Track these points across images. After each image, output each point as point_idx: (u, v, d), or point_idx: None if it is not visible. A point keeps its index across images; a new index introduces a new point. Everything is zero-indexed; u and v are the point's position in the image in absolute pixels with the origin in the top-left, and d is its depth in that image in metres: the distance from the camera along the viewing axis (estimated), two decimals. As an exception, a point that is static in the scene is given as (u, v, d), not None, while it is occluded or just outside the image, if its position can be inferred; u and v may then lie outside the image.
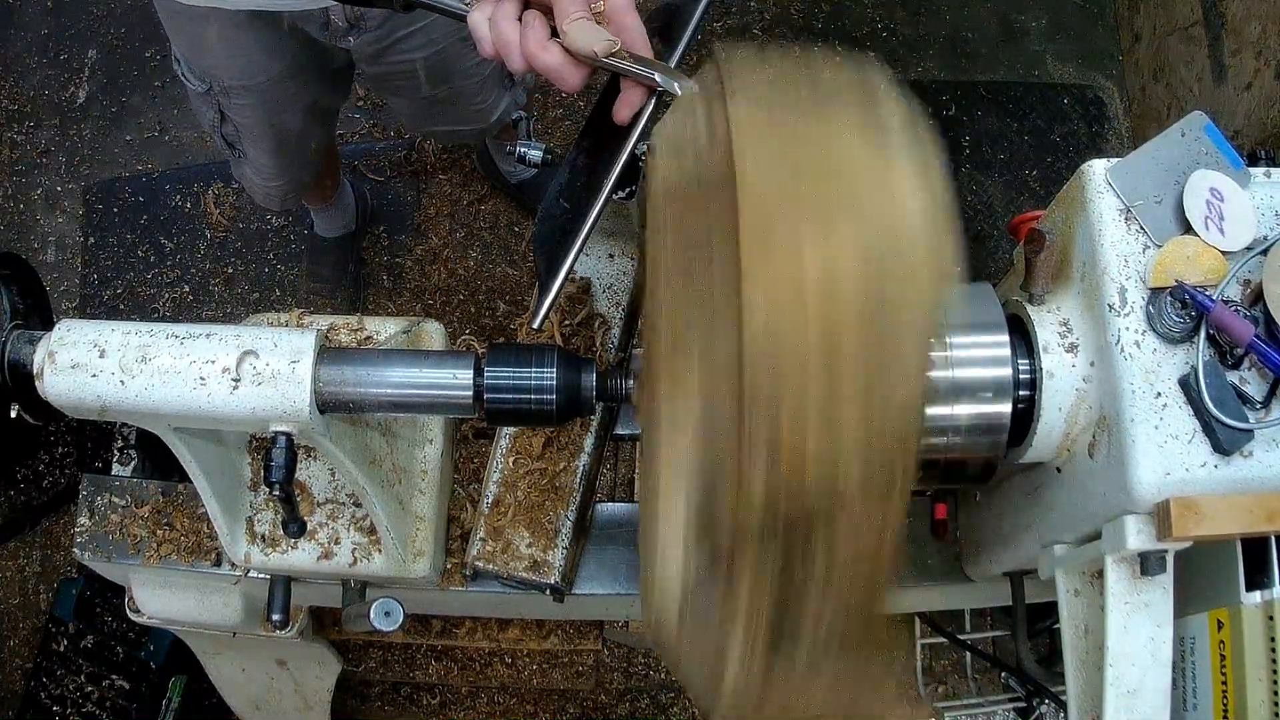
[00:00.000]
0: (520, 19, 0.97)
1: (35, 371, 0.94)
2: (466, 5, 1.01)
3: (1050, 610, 1.18)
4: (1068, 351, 1.01)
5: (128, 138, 2.90)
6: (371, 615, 1.07)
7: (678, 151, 0.86)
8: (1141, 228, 0.98)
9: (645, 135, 1.04)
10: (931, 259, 0.74)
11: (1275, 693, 1.00)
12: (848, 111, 0.79)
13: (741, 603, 0.78)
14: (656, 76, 0.97)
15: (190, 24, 1.61)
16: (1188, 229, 0.98)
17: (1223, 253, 0.97)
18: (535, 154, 1.26)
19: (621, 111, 0.99)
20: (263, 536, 1.22)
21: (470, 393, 0.98)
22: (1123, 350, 0.95)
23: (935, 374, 1.00)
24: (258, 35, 1.62)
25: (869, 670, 0.87)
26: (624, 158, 1.02)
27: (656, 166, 0.90)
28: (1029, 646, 1.35)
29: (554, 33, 0.96)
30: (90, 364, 0.92)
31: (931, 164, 0.78)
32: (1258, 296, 0.96)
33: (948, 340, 1.01)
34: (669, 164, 0.87)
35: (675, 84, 0.96)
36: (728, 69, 0.83)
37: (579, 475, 1.29)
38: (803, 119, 0.78)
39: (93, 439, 2.50)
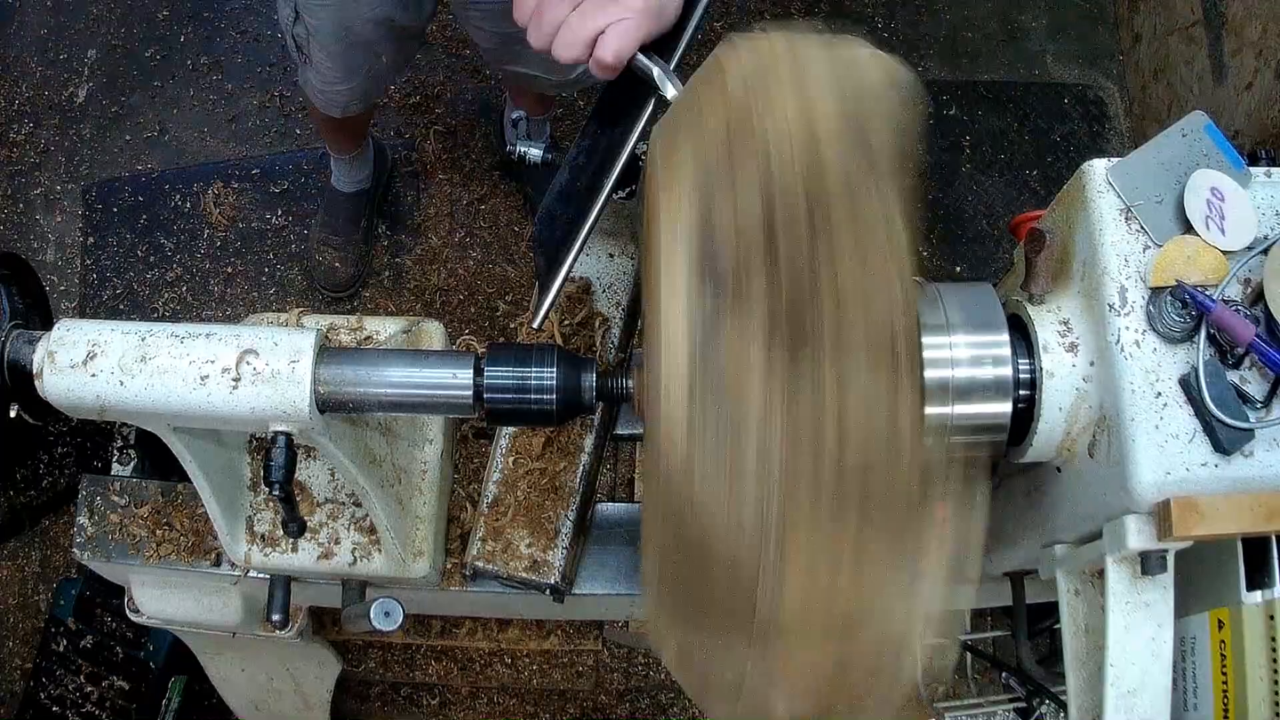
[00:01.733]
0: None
1: (35, 371, 0.94)
2: None
3: (1050, 610, 1.18)
4: (1068, 351, 1.01)
5: (128, 138, 2.90)
6: (371, 615, 1.07)
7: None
8: (1142, 227, 0.98)
9: (645, 135, 1.04)
10: (889, 87, 0.85)
11: (1276, 692, 1.00)
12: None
13: (757, 316, 0.74)
14: (655, 72, 0.98)
15: None
16: (1188, 228, 0.97)
17: (1223, 252, 0.97)
18: (535, 153, 1.27)
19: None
20: (263, 536, 1.22)
21: (470, 393, 0.98)
22: (1123, 350, 0.95)
23: (936, 374, 1.00)
24: None
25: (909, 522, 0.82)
26: (624, 158, 1.02)
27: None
28: (1029, 646, 1.35)
29: None
30: (90, 364, 0.92)
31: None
32: (1258, 296, 0.96)
33: (948, 340, 1.01)
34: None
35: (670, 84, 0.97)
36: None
37: (579, 475, 1.29)
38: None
39: (93, 439, 2.50)
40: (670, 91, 0.99)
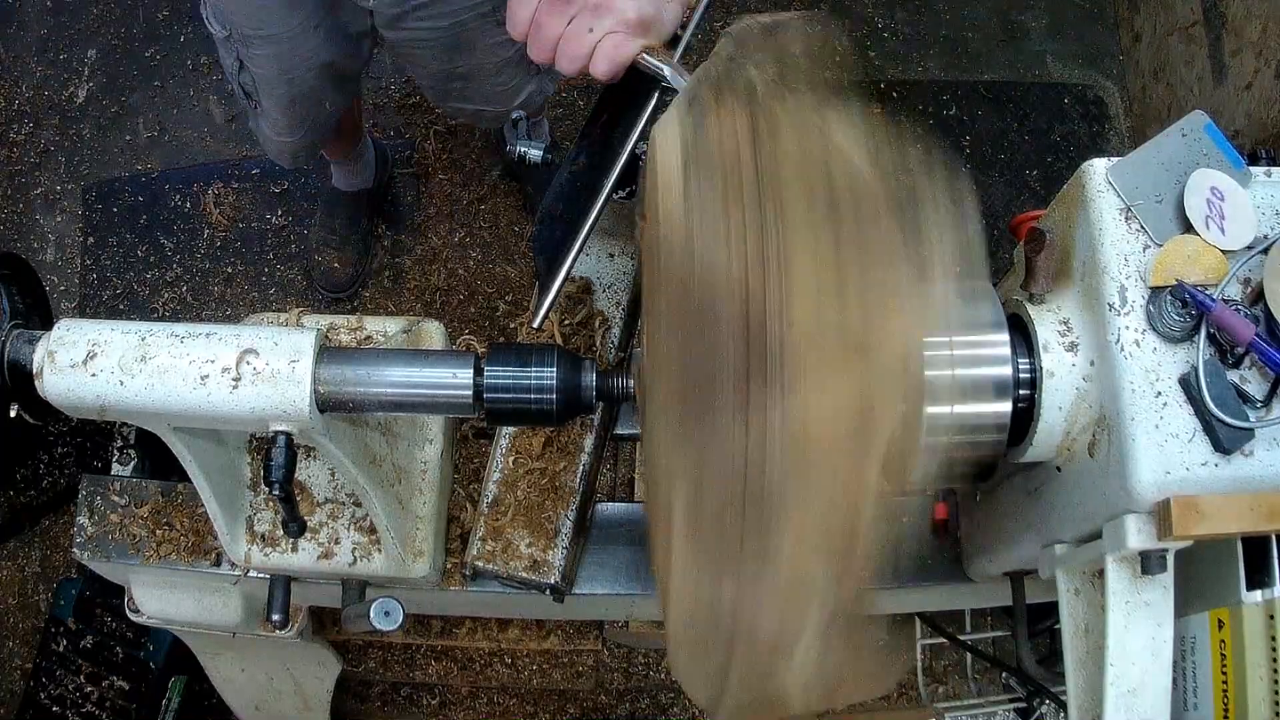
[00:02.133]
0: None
1: (35, 371, 0.94)
2: None
3: (1050, 610, 1.18)
4: (1068, 351, 1.01)
5: (128, 138, 2.90)
6: (371, 615, 1.07)
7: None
8: (1142, 227, 0.98)
9: (645, 135, 1.04)
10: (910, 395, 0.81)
11: (1276, 692, 1.00)
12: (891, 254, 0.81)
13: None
14: (666, 71, 0.98)
15: None
16: (1188, 228, 0.97)
17: (1223, 252, 0.97)
18: (535, 153, 1.26)
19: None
20: (263, 536, 1.22)
21: (470, 392, 0.98)
22: (1123, 349, 0.95)
23: (936, 373, 1.00)
24: None
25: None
26: (624, 158, 1.02)
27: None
28: (1029, 646, 1.35)
29: None
30: (90, 364, 0.92)
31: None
32: (1258, 295, 0.96)
33: (948, 340, 1.01)
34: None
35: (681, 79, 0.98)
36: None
37: (579, 475, 1.29)
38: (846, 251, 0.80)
39: (93, 439, 2.50)
40: (677, 81, 1.00)
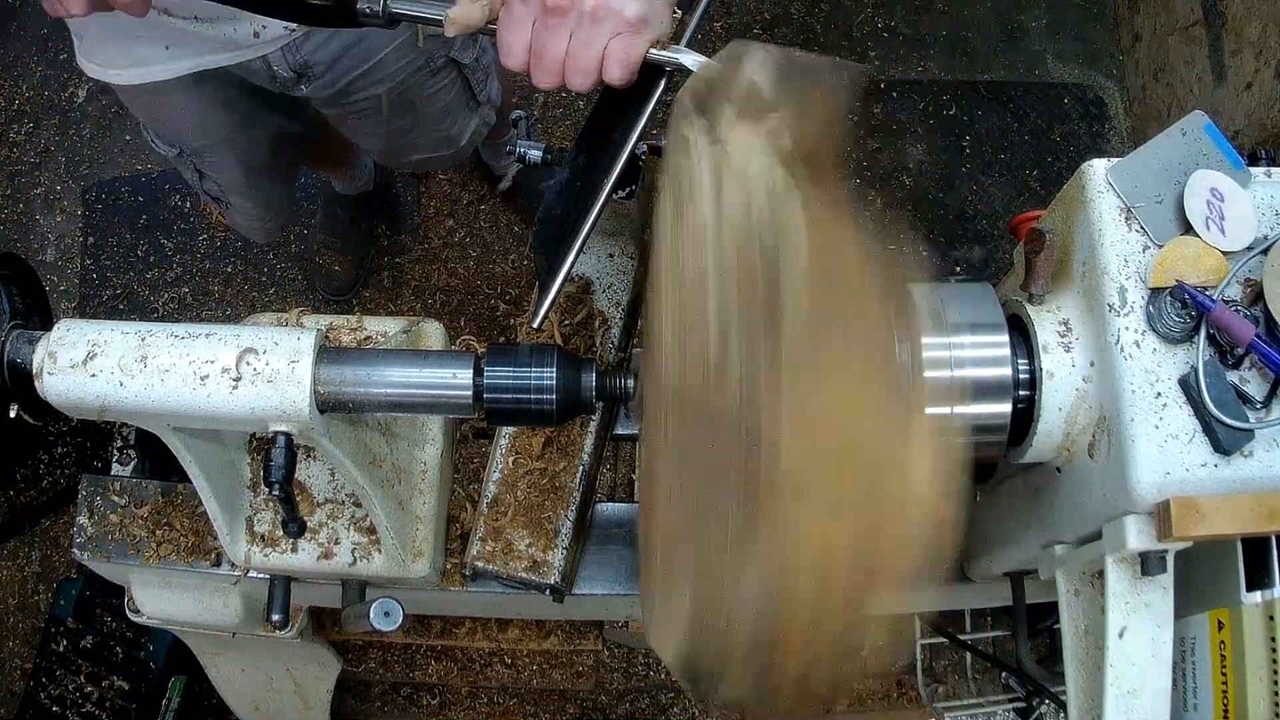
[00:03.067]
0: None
1: (35, 371, 0.94)
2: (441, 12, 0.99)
3: (1050, 610, 1.18)
4: (1067, 351, 1.01)
5: (128, 138, 2.90)
6: (371, 615, 1.07)
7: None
8: (1142, 227, 0.98)
9: (645, 135, 1.04)
10: (926, 546, 0.81)
11: (1276, 693, 1.00)
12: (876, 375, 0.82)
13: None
14: (682, 59, 0.96)
15: (143, 97, 1.59)
16: (1188, 229, 0.97)
17: (1223, 252, 0.97)
18: (535, 154, 1.27)
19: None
20: (263, 536, 1.22)
21: (470, 393, 0.98)
22: (1123, 350, 0.95)
23: (936, 374, 1.00)
24: (210, 93, 1.59)
25: None
26: (624, 158, 1.02)
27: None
28: (1029, 646, 1.35)
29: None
30: (90, 364, 0.92)
31: (947, 444, 0.84)
32: (1258, 296, 0.96)
33: (948, 340, 1.01)
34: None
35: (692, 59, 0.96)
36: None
37: (579, 475, 1.29)
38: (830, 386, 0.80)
39: (93, 439, 2.50)
40: (693, 62, 0.97)
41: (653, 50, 0.97)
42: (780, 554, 0.76)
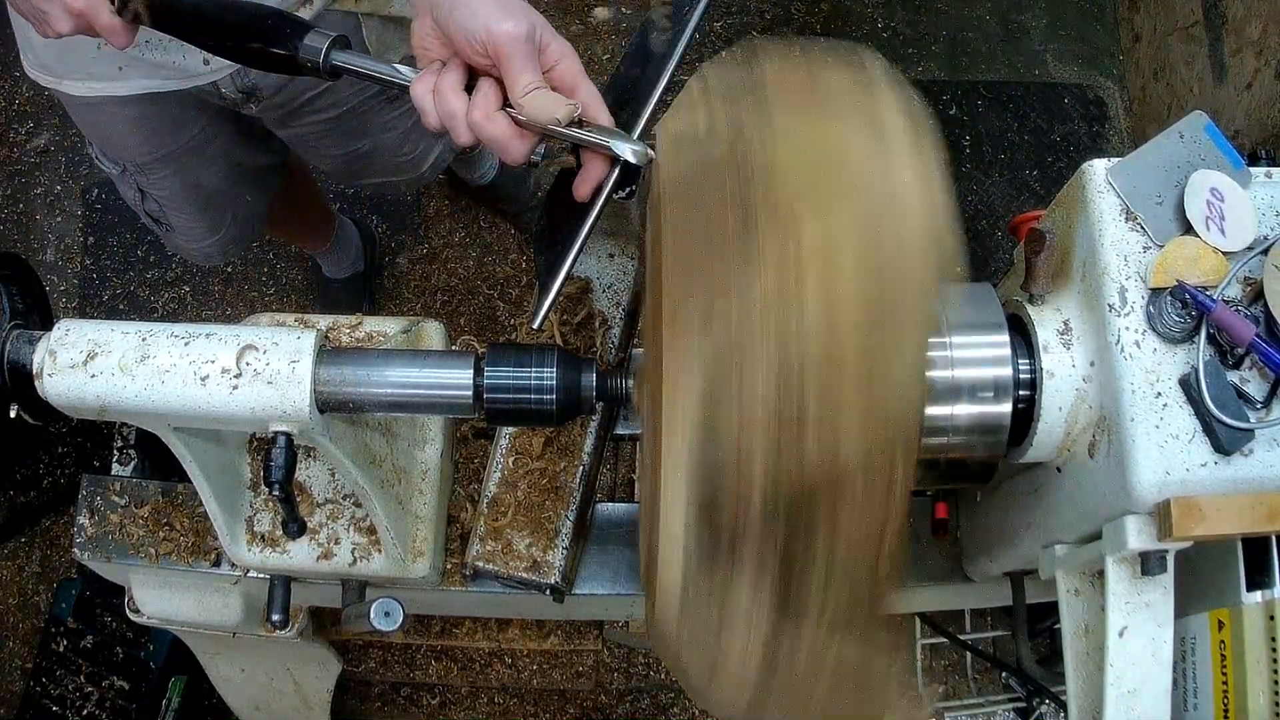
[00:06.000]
0: (467, 88, 0.95)
1: (35, 371, 0.94)
2: (404, 76, 0.99)
3: (1050, 610, 1.18)
4: (1068, 351, 1.01)
5: (128, 138, 2.89)
6: (371, 615, 1.07)
7: (683, 145, 0.87)
8: (1142, 227, 0.98)
9: (646, 134, 1.04)
10: (929, 246, 0.77)
11: (1276, 693, 1.00)
12: (852, 114, 0.82)
13: (745, 586, 0.77)
14: (613, 145, 0.94)
15: (89, 111, 1.57)
16: (1188, 229, 0.98)
17: (1223, 253, 0.97)
18: (535, 154, 1.26)
19: (582, 188, 0.97)
20: (262, 536, 1.22)
21: (470, 393, 0.98)
22: (1123, 350, 0.95)
23: (936, 374, 1.00)
24: (159, 111, 1.58)
25: (871, 667, 0.86)
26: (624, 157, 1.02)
27: (661, 162, 0.90)
28: (1029, 646, 1.35)
29: (504, 103, 0.94)
30: (90, 364, 0.92)
31: (931, 161, 0.82)
32: (1258, 295, 0.96)
33: (948, 340, 1.01)
34: (674, 157, 0.88)
35: (631, 149, 0.94)
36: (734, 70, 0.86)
37: (579, 475, 1.29)
38: (812, 120, 0.81)
39: (93, 439, 2.50)
40: (628, 152, 0.94)
41: (592, 133, 0.95)
42: (785, 255, 0.74)
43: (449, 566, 1.35)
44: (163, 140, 1.64)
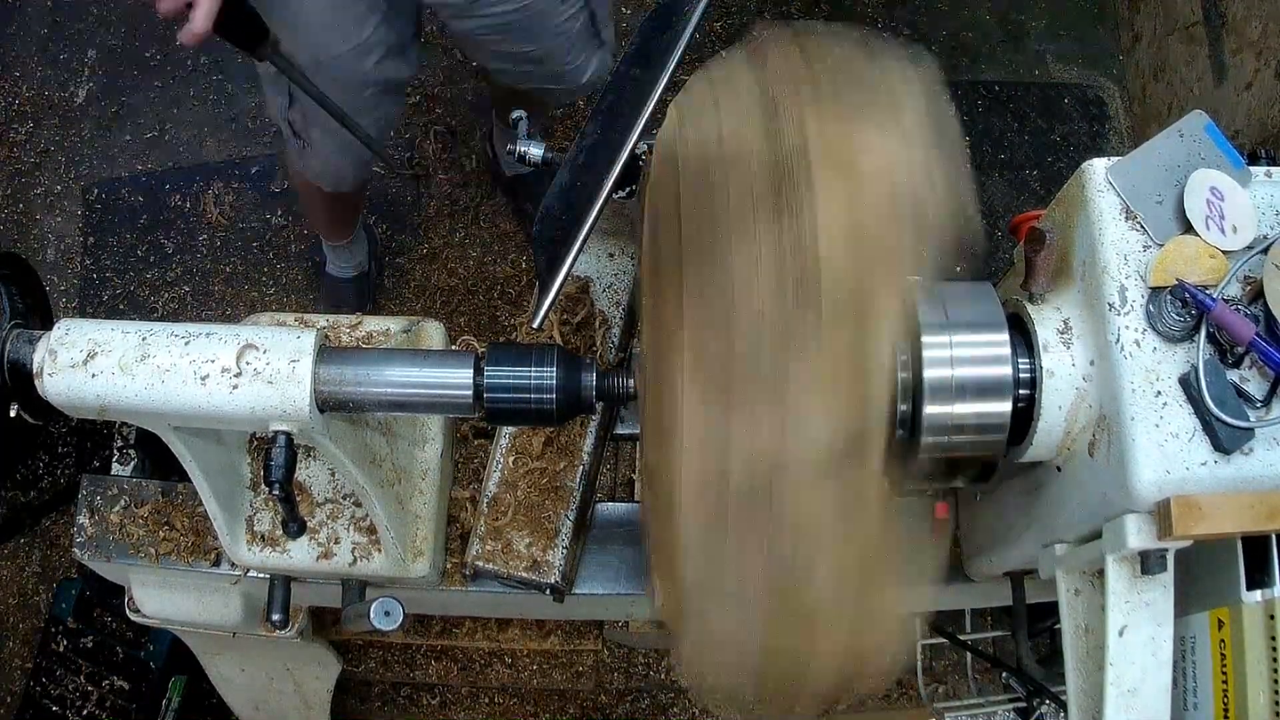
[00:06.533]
0: None
1: (35, 371, 0.94)
2: None
3: (1050, 610, 1.18)
4: (1068, 350, 1.01)
5: (127, 138, 2.90)
6: (371, 615, 1.07)
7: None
8: (1142, 226, 0.98)
9: (645, 135, 1.04)
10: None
11: (1276, 692, 1.00)
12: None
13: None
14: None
15: None
16: (1188, 228, 0.97)
17: (1223, 252, 0.97)
18: (536, 153, 1.26)
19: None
20: (262, 536, 1.22)
21: (470, 392, 0.98)
22: (1123, 349, 0.95)
23: (936, 373, 1.00)
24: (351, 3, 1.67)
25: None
26: (624, 158, 1.02)
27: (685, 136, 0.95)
28: (1029, 646, 1.35)
29: None
30: (90, 363, 0.92)
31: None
32: (1258, 294, 0.96)
33: (949, 339, 1.01)
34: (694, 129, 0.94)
35: None
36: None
37: (579, 475, 1.29)
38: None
39: (93, 439, 2.50)
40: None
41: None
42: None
43: (449, 566, 1.35)
44: (336, 36, 1.71)
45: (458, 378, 0.98)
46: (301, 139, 1.93)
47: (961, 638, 1.72)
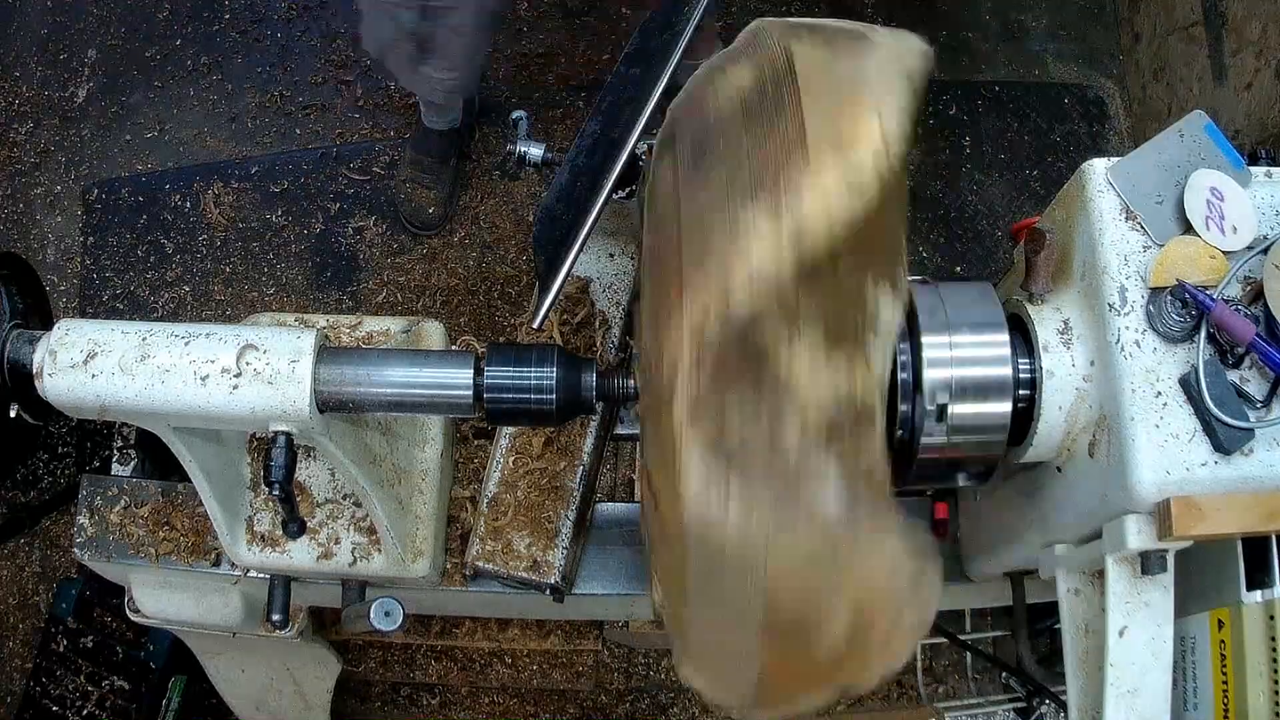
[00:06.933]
0: None
1: (35, 371, 0.94)
2: None
3: (1050, 610, 1.18)
4: (1068, 350, 1.01)
5: (128, 138, 2.89)
6: (371, 615, 1.07)
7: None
8: (1142, 227, 0.98)
9: (645, 135, 1.04)
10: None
11: (1276, 692, 1.00)
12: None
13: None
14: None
15: None
16: (1188, 228, 0.97)
17: (1223, 252, 0.97)
18: (536, 153, 1.26)
19: None
20: (262, 536, 1.22)
21: (470, 392, 0.98)
22: (1123, 349, 0.95)
23: (936, 373, 1.00)
24: None
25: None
26: (624, 158, 1.02)
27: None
28: (1029, 646, 1.35)
29: None
30: (90, 364, 0.92)
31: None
32: (1258, 295, 0.96)
33: (949, 340, 1.01)
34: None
35: None
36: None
37: (579, 475, 1.29)
38: None
39: (93, 439, 2.50)
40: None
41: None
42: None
43: (449, 566, 1.35)
44: None
45: (458, 378, 0.98)
46: (428, 49, 2.05)
47: (961, 638, 1.72)
